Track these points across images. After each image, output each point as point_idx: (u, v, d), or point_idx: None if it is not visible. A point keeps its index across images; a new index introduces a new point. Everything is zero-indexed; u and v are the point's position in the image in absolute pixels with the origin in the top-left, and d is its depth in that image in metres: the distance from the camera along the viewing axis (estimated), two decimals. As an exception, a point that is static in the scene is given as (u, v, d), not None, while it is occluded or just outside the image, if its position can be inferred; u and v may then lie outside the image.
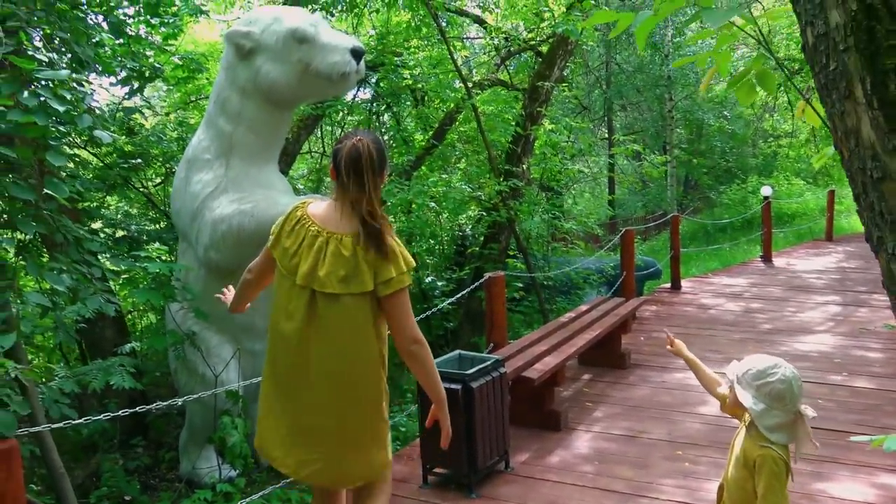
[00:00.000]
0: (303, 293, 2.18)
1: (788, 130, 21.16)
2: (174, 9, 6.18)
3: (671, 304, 8.25)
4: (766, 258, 11.07)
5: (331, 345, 2.20)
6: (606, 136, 18.35)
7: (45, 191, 2.48)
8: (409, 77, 7.99)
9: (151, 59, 5.62)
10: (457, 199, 7.67)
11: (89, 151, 5.88)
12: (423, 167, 8.79)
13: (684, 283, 9.32)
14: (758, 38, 1.62)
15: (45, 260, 2.99)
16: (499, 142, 8.48)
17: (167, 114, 8.00)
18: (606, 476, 3.78)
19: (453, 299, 6.05)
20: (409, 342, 2.21)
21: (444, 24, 8.21)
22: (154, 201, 7.18)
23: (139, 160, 6.08)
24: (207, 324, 4.35)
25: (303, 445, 2.23)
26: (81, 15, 3.73)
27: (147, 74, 5.17)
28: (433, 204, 7.68)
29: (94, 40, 4.40)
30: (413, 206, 7.02)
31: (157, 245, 5.52)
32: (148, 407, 3.38)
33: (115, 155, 5.85)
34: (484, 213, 8.12)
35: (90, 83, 2.93)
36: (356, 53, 4.11)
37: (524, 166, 8.21)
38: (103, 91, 6.12)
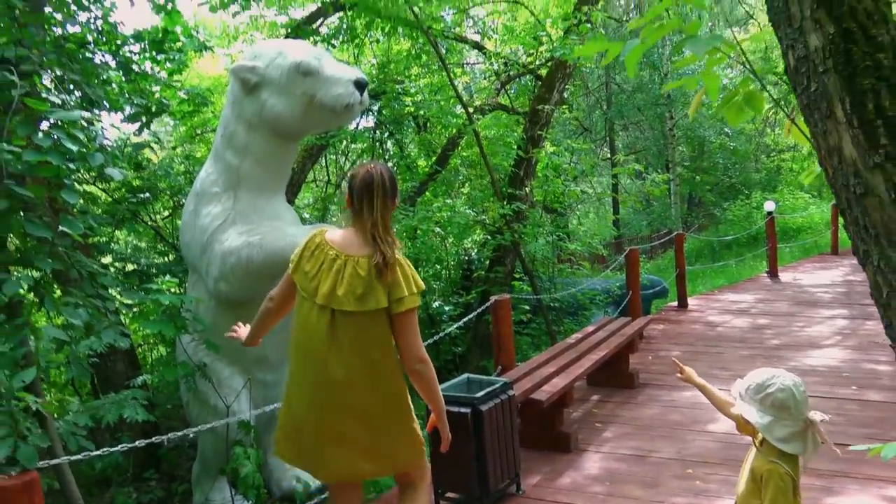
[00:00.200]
0: (324, 312, 2.35)
1: (791, 144, 21.23)
2: (178, 44, 6.31)
3: (678, 322, 8.26)
4: (772, 273, 11.07)
5: (352, 358, 2.35)
6: (608, 156, 18.46)
7: (60, 228, 2.55)
8: (410, 104, 8.11)
9: (157, 95, 5.73)
10: (461, 223, 7.74)
11: (98, 187, 5.97)
12: (427, 193, 8.88)
13: (691, 301, 9.34)
14: (743, 61, 1.67)
15: (56, 295, 3.05)
16: (501, 165, 8.57)
17: (174, 147, 8.12)
18: (617, 496, 3.78)
19: (461, 323, 6.09)
20: (414, 361, 2.38)
21: (443, 51, 8.34)
22: (162, 234, 7.26)
23: (147, 194, 6.17)
24: (218, 355, 4.37)
25: (339, 446, 2.38)
26: (90, 55, 3.83)
27: (153, 109, 5.27)
28: (438, 229, 7.75)
29: (101, 77, 4.52)
30: (418, 231, 7.09)
31: (167, 278, 5.59)
32: (161, 438, 3.42)
33: (123, 190, 5.94)
34: (489, 237, 8.18)
35: (100, 121, 3.00)
36: (359, 85, 4.18)
37: (527, 189, 8.29)
38: (111, 127, 6.24)
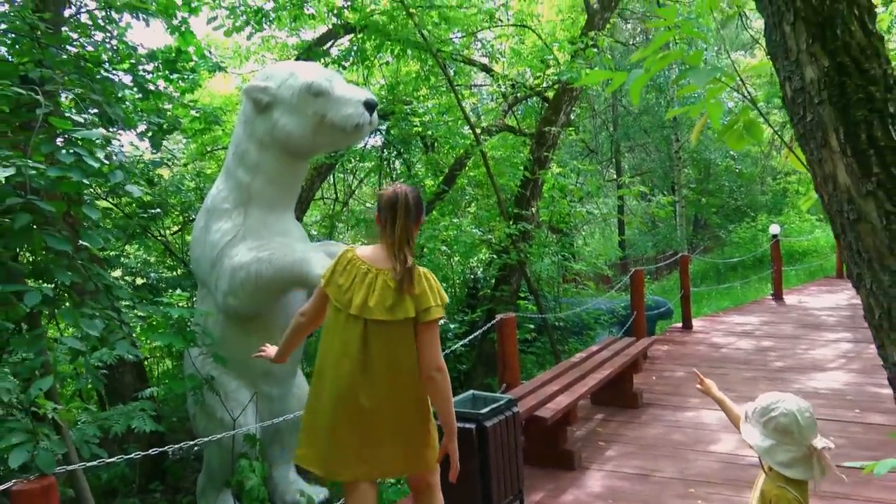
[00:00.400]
0: (357, 322, 2.51)
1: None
2: (191, 64, 6.42)
3: (683, 343, 8.28)
4: (777, 296, 11.09)
5: (382, 364, 2.52)
6: (614, 177, 18.54)
7: (80, 242, 2.63)
8: (418, 124, 8.21)
9: (170, 112, 5.83)
10: (468, 242, 7.80)
11: (109, 202, 6.06)
12: (434, 212, 8.95)
13: (696, 323, 9.36)
14: (743, 91, 1.74)
15: (66, 306, 3.11)
16: (508, 186, 8.64)
17: (185, 164, 8.23)
18: (620, 514, 3.81)
19: (466, 341, 6.13)
20: (432, 368, 2.52)
21: (451, 73, 8.46)
22: (172, 249, 7.34)
23: (158, 210, 6.25)
24: (226, 368, 4.42)
25: (372, 446, 2.54)
26: (110, 76, 3.93)
27: (165, 127, 5.37)
28: (445, 247, 7.82)
29: (117, 96, 4.61)
30: (425, 250, 7.15)
31: (177, 292, 5.66)
32: (169, 448, 3.46)
33: (134, 205, 6.02)
34: (495, 256, 8.24)
35: (118, 140, 3.08)
36: (369, 105, 4.25)
37: (533, 209, 8.36)
38: (129, 145, 6.33)
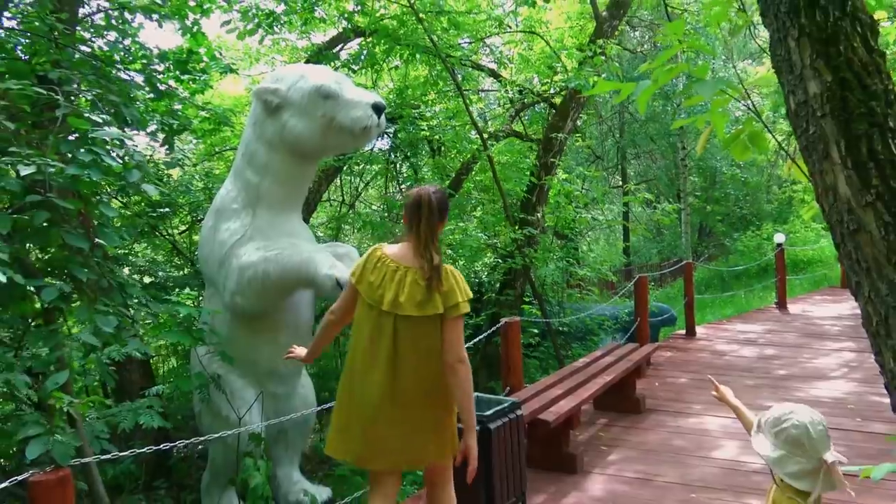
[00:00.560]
0: (388, 318, 2.64)
1: (802, 177, 21.22)
2: (202, 65, 6.47)
3: (686, 350, 8.31)
4: (781, 305, 11.10)
5: (412, 357, 2.64)
6: (620, 183, 18.58)
7: (97, 240, 2.68)
8: (426, 128, 8.26)
9: (181, 113, 5.88)
10: (473, 246, 7.84)
11: (119, 201, 6.12)
12: (439, 215, 8.97)
13: (699, 330, 9.38)
14: (749, 104, 1.78)
15: (75, 305, 3.16)
16: (514, 191, 8.69)
17: (194, 165, 8.28)
18: (621, 518, 3.84)
19: (470, 344, 6.17)
20: (456, 360, 2.62)
21: (459, 78, 8.51)
22: (179, 248, 7.40)
23: (167, 209, 6.31)
24: (232, 367, 4.46)
25: (404, 436, 2.66)
26: (126, 77, 3.98)
27: (175, 127, 5.41)
28: (450, 251, 7.86)
29: (130, 96, 4.67)
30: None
31: (186, 290, 5.71)
32: (175, 444, 3.50)
33: (143, 204, 6.08)
34: (500, 261, 8.28)
35: (132, 140, 3.14)
36: (377, 108, 4.30)
37: (539, 214, 8.40)
38: (140, 144, 6.38)
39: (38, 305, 3.32)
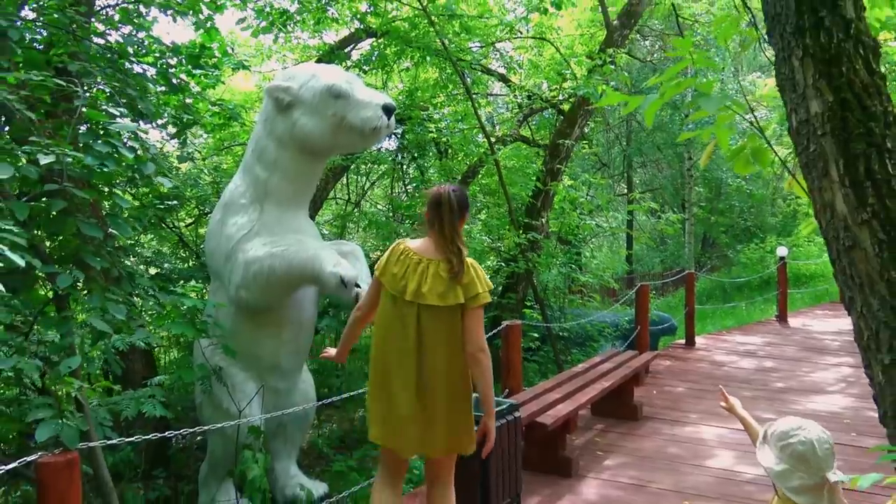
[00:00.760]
0: (411, 307, 2.77)
1: (808, 192, 21.18)
2: (214, 60, 6.52)
3: (685, 359, 8.35)
4: (782, 318, 11.13)
5: (435, 346, 2.76)
6: (625, 192, 18.61)
7: (110, 230, 2.73)
8: (434, 131, 8.30)
9: (192, 107, 5.93)
10: (477, 249, 7.89)
11: (128, 192, 6.16)
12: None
13: (699, 340, 9.42)
14: (752, 120, 1.83)
15: (96, 290, 3.21)
16: (519, 195, 8.73)
17: (203, 159, 8.34)
18: (614, 523, 3.88)
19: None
20: (477, 349, 2.77)
21: (469, 82, 8.56)
22: (185, 241, 7.45)
23: (175, 202, 6.35)
24: (234, 360, 4.49)
25: (426, 424, 2.78)
26: (141, 71, 4.03)
27: (186, 121, 5.46)
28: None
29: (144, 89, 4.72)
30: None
31: (192, 283, 5.76)
32: (178, 433, 3.55)
33: (150, 196, 6.12)
34: (503, 264, 8.32)
35: (146, 133, 3.19)
36: (387, 109, 4.35)
37: (543, 220, 8.44)
38: (154, 137, 6.43)
39: (42, 293, 3.38)
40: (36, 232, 2.91)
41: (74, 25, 3.48)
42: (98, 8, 5.25)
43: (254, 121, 7.75)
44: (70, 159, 2.49)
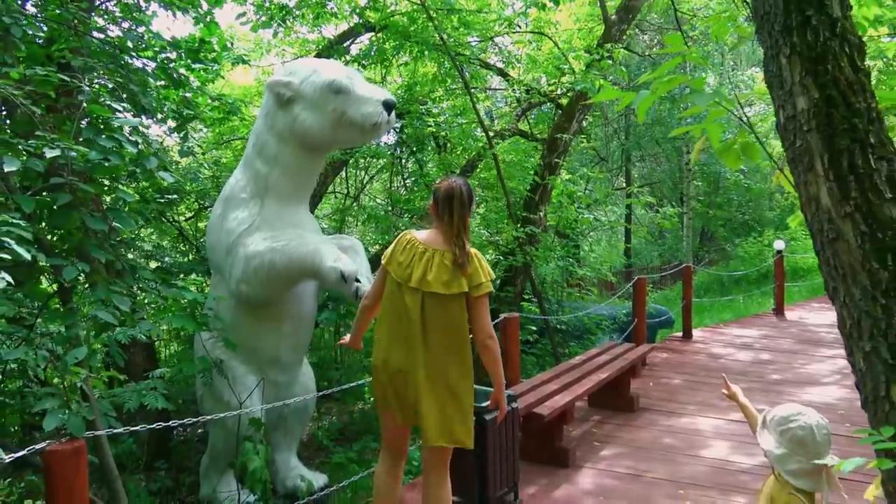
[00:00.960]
0: (416, 294, 2.90)
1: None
2: (213, 55, 6.54)
3: (682, 352, 8.40)
4: (779, 311, 11.20)
5: (437, 331, 2.88)
6: (624, 185, 18.64)
7: (114, 223, 2.78)
8: (433, 125, 8.34)
9: (192, 101, 5.96)
10: (475, 243, 7.92)
11: (128, 186, 6.20)
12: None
13: (696, 333, 9.48)
14: (741, 117, 1.88)
15: (101, 282, 3.26)
16: (517, 189, 8.78)
17: (203, 153, 8.37)
18: (610, 512, 3.94)
19: (470, 337, 6.25)
20: (485, 336, 2.93)
21: (467, 76, 8.59)
22: (185, 235, 7.50)
23: (175, 196, 6.39)
24: (235, 354, 4.53)
25: (421, 406, 2.90)
26: (136, 64, 4.07)
27: (185, 115, 5.48)
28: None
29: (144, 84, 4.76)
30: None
31: (193, 276, 5.81)
32: (181, 422, 3.60)
33: (150, 190, 6.15)
34: (501, 258, 8.37)
35: (148, 127, 3.24)
36: (388, 105, 4.38)
37: (541, 214, 8.49)
38: (155, 132, 6.46)
39: (43, 286, 3.42)
40: (40, 225, 2.97)
41: (76, 21, 3.51)
42: (98, 2, 5.28)
43: (253, 115, 7.80)
44: (74, 153, 2.53)
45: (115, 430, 2.80)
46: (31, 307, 3.10)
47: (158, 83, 5.26)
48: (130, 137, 2.84)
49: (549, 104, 10.36)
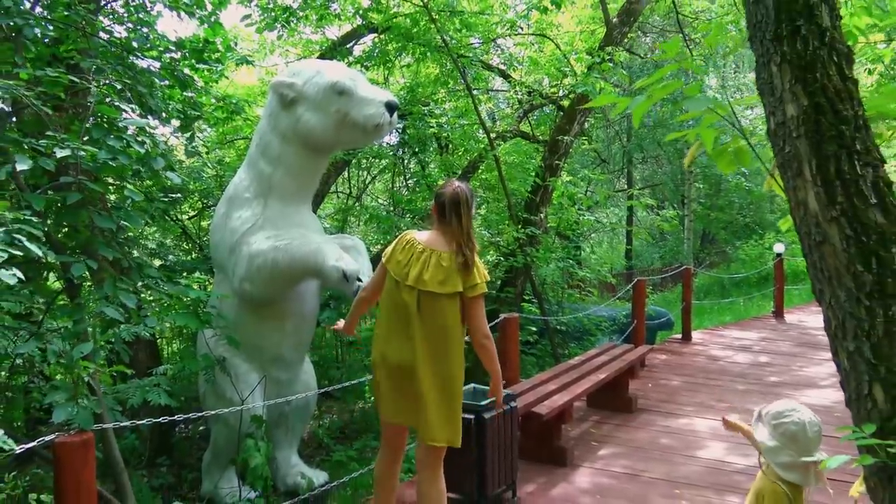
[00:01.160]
0: (412, 292, 2.99)
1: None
2: (217, 55, 6.59)
3: (681, 353, 8.45)
4: (778, 314, 11.23)
5: (431, 329, 2.97)
6: (625, 187, 18.69)
7: (122, 222, 2.84)
8: (435, 126, 8.40)
9: (196, 102, 6.01)
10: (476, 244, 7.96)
11: (133, 185, 6.25)
12: (445, 212, 9.10)
13: (696, 335, 9.52)
14: (734, 122, 1.93)
15: (108, 279, 3.31)
16: (518, 191, 8.83)
17: (207, 153, 8.43)
18: (607, 510, 3.99)
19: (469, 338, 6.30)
20: (481, 336, 3.01)
21: (469, 78, 8.64)
22: (189, 233, 7.55)
23: (178, 195, 6.44)
24: (237, 351, 4.55)
25: (414, 401, 3.00)
26: (142, 64, 4.12)
27: (189, 115, 5.53)
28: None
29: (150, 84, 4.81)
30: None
31: (196, 275, 5.86)
32: (186, 417, 3.65)
33: (155, 189, 6.20)
34: (502, 259, 8.42)
35: (155, 128, 3.29)
36: (390, 107, 4.42)
37: (542, 215, 8.54)
38: (162, 133, 6.50)
39: (50, 282, 3.48)
40: (48, 222, 3.02)
41: (84, 22, 3.57)
42: (104, 3, 5.33)
43: (257, 115, 7.85)
44: (84, 153, 2.59)
45: (122, 423, 2.86)
46: (39, 303, 3.16)
47: (163, 83, 5.31)
48: (137, 138, 2.89)
49: (550, 106, 10.41)
